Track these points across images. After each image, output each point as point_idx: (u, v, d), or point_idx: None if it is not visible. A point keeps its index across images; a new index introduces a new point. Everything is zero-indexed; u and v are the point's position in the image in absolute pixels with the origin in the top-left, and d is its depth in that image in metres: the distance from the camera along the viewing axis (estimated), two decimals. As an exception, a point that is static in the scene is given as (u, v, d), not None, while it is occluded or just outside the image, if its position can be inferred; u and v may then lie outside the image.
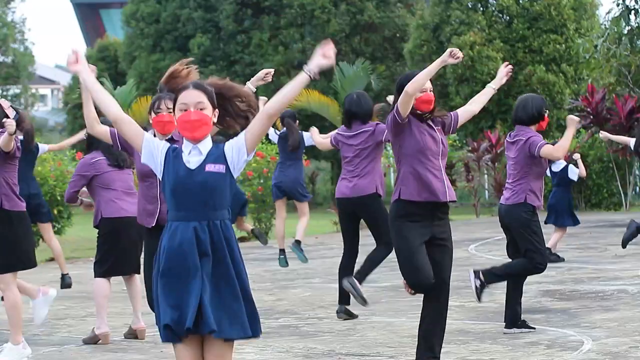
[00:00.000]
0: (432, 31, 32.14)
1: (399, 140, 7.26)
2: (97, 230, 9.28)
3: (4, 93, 46.84)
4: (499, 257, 15.22)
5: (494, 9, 32.03)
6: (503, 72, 7.93)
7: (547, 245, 14.11)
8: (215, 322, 4.94)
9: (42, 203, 13.26)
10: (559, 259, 13.98)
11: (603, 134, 13.98)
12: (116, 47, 43.11)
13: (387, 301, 10.60)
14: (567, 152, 15.05)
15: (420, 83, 7.04)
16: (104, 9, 63.20)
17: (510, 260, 9.06)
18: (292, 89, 5.00)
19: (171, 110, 7.14)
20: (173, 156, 5.09)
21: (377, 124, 9.88)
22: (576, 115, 29.85)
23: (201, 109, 5.06)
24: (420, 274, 7.14)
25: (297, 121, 13.73)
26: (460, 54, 7.18)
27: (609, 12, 25.53)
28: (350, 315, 9.95)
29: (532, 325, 8.91)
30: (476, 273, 8.85)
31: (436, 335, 7.26)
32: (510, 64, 8.08)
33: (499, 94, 19.98)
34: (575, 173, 14.23)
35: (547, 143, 8.77)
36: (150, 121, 7.62)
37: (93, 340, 9.19)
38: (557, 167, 14.24)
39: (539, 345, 8.23)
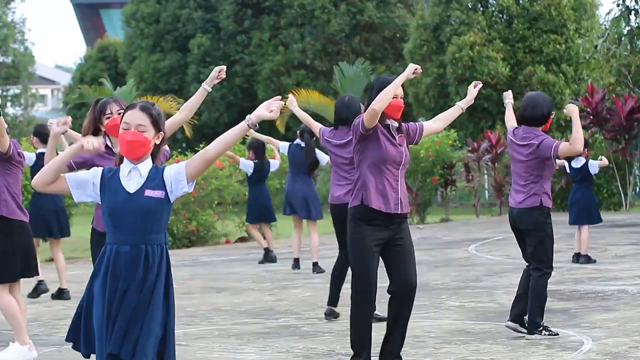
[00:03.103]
0: (432, 31, 32.14)
1: (362, 146, 7.25)
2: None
3: (4, 93, 46.87)
4: (499, 257, 15.22)
5: (494, 9, 32.05)
6: (472, 92, 7.94)
7: (581, 251, 14.03)
8: (117, 343, 4.96)
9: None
10: (590, 260, 13.97)
11: None
12: (116, 47, 43.13)
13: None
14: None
15: (387, 100, 7.06)
16: (104, 9, 63.25)
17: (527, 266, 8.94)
18: (231, 137, 5.08)
19: (120, 113, 7.02)
20: (108, 178, 5.12)
21: None
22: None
23: (142, 131, 5.09)
24: (369, 276, 7.22)
25: (314, 137, 13.58)
26: (419, 70, 7.35)
27: (609, 13, 25.57)
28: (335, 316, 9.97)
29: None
30: (533, 330, 8.58)
31: (401, 339, 7.38)
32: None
33: (499, 94, 20.04)
34: (595, 166, 14.00)
35: (561, 141, 8.64)
36: (102, 129, 7.24)
37: None
38: (578, 163, 14.00)
39: (539, 345, 8.23)
